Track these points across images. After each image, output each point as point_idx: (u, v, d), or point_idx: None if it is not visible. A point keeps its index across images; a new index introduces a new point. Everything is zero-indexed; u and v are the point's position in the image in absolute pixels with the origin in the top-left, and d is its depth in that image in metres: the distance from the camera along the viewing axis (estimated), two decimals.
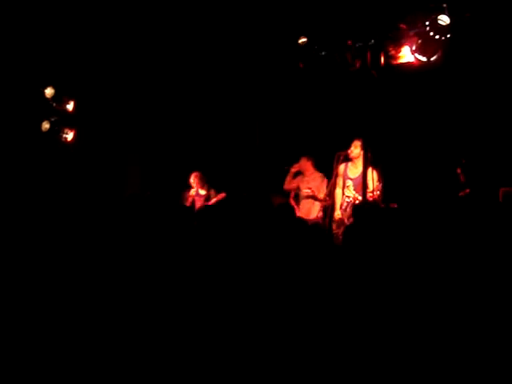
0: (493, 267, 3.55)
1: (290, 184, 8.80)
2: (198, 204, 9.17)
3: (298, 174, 8.79)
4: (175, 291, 3.55)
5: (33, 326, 3.48)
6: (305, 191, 8.43)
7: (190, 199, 9.42)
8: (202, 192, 9.41)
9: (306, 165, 8.65)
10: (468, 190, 7.56)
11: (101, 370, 3.21)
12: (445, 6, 6.89)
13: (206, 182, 9.44)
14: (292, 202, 8.93)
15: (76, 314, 3.52)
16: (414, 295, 3.38)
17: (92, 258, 4.06)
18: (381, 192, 7.40)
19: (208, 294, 3.48)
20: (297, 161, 8.77)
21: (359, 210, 4.46)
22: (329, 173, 7.86)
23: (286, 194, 8.97)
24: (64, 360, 3.27)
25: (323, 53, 8.03)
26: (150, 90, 10.00)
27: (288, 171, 8.77)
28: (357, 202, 7.53)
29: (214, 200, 9.20)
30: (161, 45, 9.15)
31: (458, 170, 7.65)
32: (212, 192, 9.34)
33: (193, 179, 9.45)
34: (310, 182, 8.52)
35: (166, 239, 4.18)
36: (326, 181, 8.33)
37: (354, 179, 7.68)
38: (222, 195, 9.25)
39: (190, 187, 9.51)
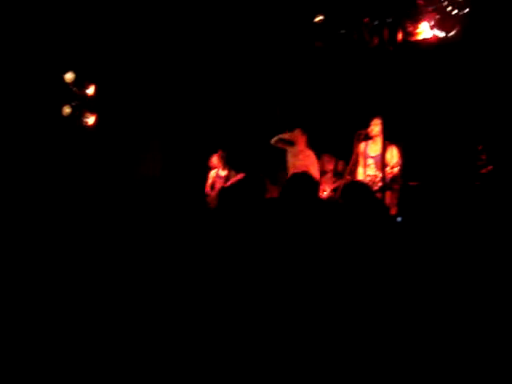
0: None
1: (276, 143, 8.74)
2: (218, 185, 9.20)
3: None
4: (181, 282, 3.56)
5: (33, 323, 3.50)
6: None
7: (211, 181, 9.44)
8: (223, 173, 9.39)
9: (299, 138, 8.60)
10: (491, 167, 7.52)
11: (100, 370, 3.24)
12: None
13: (227, 163, 9.45)
14: None
15: (76, 310, 3.53)
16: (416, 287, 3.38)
17: (105, 247, 4.09)
18: (400, 169, 7.39)
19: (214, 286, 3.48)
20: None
21: (348, 189, 4.40)
22: (349, 152, 7.85)
23: None
24: (64, 360, 3.29)
25: (341, 31, 7.99)
26: (170, 75, 10.01)
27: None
28: (377, 179, 7.53)
29: (230, 181, 9.21)
30: (180, 29, 9.16)
31: (480, 147, 7.60)
32: (232, 173, 9.32)
33: (215, 159, 9.45)
34: (305, 158, 8.49)
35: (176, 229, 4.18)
36: (317, 161, 8.43)
37: (375, 157, 7.66)
38: (240, 176, 9.23)
39: (210, 169, 9.54)
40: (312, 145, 8.79)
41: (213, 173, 9.49)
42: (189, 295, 3.43)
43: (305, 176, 4.40)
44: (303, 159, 8.44)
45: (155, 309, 3.40)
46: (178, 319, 3.33)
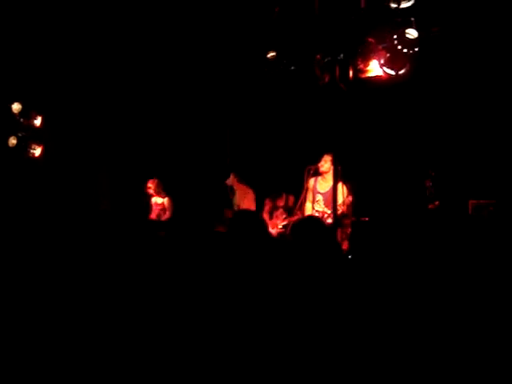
0: (461, 279, 3.55)
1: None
2: (155, 212, 9.10)
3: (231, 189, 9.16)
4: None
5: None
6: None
7: (151, 207, 9.36)
8: (159, 200, 9.30)
9: (233, 180, 9.10)
10: (437, 203, 7.60)
11: (99, 370, 3.15)
12: (412, 19, 6.93)
13: (162, 190, 9.32)
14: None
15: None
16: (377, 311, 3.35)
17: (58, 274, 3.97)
18: (351, 206, 7.41)
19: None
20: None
21: (297, 227, 4.36)
22: (298, 187, 7.84)
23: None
24: (62, 360, 3.21)
25: (292, 67, 8.02)
26: (117, 103, 9.93)
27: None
28: (325, 215, 7.53)
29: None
30: (127, 55, 9.12)
31: (428, 183, 7.69)
32: (168, 200, 9.27)
33: (149, 187, 9.32)
34: (243, 196, 8.91)
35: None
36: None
37: (324, 193, 7.69)
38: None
39: (150, 195, 9.40)
40: (263, 180, 8.87)
41: (153, 199, 9.39)
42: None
43: (250, 213, 4.37)
44: (239, 195, 8.96)
45: None
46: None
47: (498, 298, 3.41)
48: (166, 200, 9.25)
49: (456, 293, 3.46)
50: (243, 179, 9.07)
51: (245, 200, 8.79)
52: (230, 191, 9.08)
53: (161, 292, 3.62)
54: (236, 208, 8.84)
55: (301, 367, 3.11)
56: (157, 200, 9.30)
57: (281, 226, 8.68)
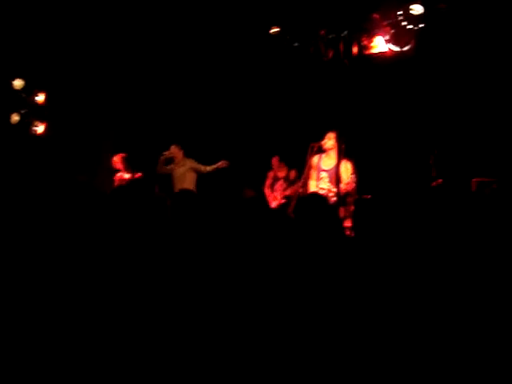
0: (464, 257, 3.54)
1: (161, 169, 9.13)
2: None
3: (170, 160, 9.11)
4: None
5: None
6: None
7: (117, 183, 9.07)
8: (126, 175, 9.07)
9: (178, 153, 9.03)
10: (440, 181, 7.59)
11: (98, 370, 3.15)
12: None
13: (129, 166, 9.14)
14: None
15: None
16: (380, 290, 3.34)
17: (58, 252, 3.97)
18: (355, 183, 7.39)
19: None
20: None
21: (301, 204, 4.35)
22: (303, 163, 7.83)
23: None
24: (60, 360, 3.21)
25: (296, 43, 7.98)
26: (121, 81, 9.88)
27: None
28: (331, 194, 7.51)
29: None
30: (131, 37, 9.05)
31: (431, 161, 7.66)
32: (137, 175, 9.05)
33: (118, 162, 9.17)
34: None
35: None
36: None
37: (328, 171, 7.64)
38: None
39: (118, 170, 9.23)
40: (267, 153, 8.87)
41: (118, 175, 9.23)
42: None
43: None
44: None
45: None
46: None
47: (500, 275, 3.40)
48: (136, 175, 9.09)
49: (459, 271, 3.44)
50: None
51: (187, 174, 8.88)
52: (166, 163, 9.04)
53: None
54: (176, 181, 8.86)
55: (301, 350, 3.11)
56: (124, 175, 9.17)
57: (281, 199, 8.70)
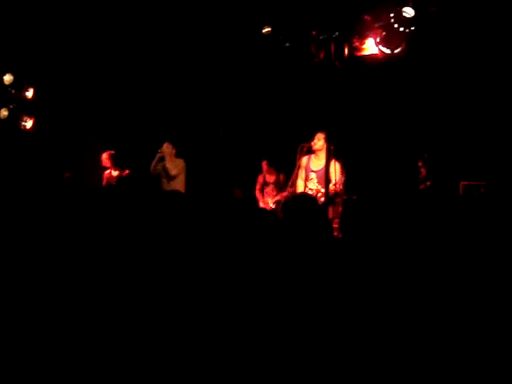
0: (451, 258, 3.55)
1: (154, 168, 8.87)
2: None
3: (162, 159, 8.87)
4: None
5: None
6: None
7: (105, 181, 9.10)
8: (115, 173, 9.04)
9: (170, 151, 8.79)
10: (429, 183, 7.62)
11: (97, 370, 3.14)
12: None
13: (117, 163, 9.08)
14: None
15: None
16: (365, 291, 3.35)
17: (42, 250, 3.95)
18: (343, 185, 7.40)
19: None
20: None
21: (289, 204, 4.34)
22: (292, 164, 7.83)
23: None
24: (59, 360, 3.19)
25: (287, 44, 7.97)
26: (109, 75, 9.83)
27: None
28: (319, 194, 7.52)
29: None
30: (120, 33, 9.01)
31: (420, 163, 7.70)
32: (126, 173, 9.00)
33: (106, 160, 9.11)
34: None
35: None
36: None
37: (317, 171, 7.65)
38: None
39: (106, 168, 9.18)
40: (256, 156, 8.84)
41: (106, 173, 9.17)
42: None
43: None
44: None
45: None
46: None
47: (488, 277, 3.41)
48: (125, 172, 9.02)
49: (446, 272, 3.46)
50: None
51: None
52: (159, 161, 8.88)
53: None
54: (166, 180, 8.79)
55: (296, 349, 3.11)
56: (112, 173, 9.10)
57: (272, 204, 8.69)
